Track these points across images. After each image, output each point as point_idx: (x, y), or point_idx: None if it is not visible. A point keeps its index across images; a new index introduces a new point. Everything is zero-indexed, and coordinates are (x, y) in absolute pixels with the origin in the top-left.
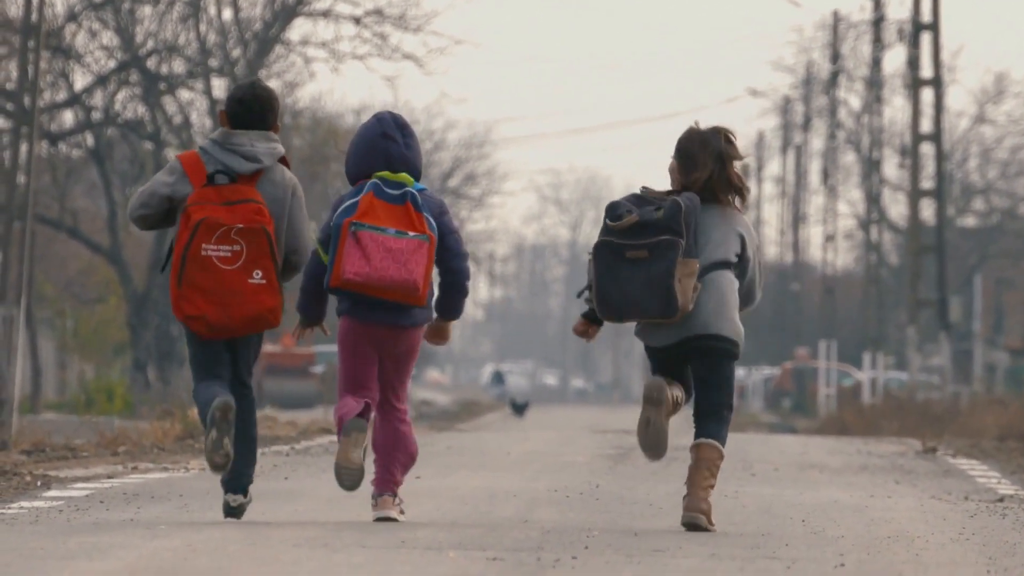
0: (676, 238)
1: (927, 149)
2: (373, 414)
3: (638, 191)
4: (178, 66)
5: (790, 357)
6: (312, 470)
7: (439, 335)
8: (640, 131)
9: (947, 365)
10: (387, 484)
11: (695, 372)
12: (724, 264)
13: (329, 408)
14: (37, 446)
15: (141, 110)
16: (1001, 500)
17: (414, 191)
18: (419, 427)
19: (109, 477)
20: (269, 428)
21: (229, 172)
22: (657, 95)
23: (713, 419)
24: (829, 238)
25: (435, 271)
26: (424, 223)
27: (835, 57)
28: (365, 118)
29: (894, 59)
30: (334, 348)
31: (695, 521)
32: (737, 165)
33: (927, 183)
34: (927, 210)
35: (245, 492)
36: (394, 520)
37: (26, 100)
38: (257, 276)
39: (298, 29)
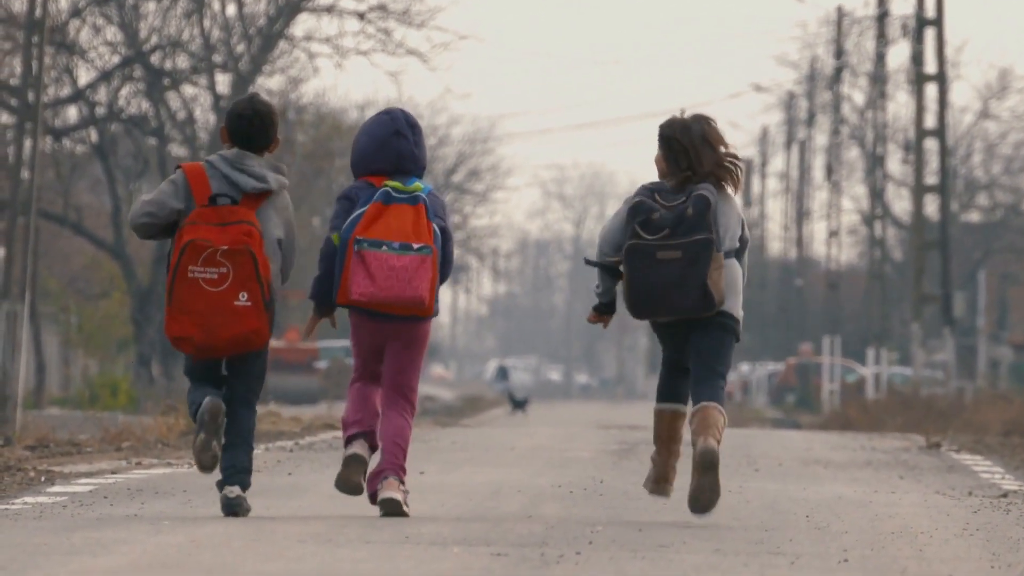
0: (709, 236)
1: (931, 145)
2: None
3: (648, 183)
4: (182, 62)
5: (794, 352)
6: (316, 466)
7: None
8: (644, 126)
9: (951, 360)
10: (393, 468)
11: (695, 343)
12: (734, 252)
13: (333, 404)
14: (41, 441)
15: (145, 106)
16: (1005, 496)
17: (425, 196)
18: (423, 422)
19: (113, 472)
20: (273, 424)
21: (233, 194)
22: (661, 90)
23: (709, 385)
24: (833, 234)
25: None
26: (431, 234)
27: (839, 53)
28: (369, 114)
29: (898, 55)
30: (338, 344)
31: (709, 455)
32: (725, 148)
33: (931, 179)
34: (931, 206)
35: (243, 485)
36: (398, 503)
37: (30, 96)
38: (243, 298)
39: (302, 24)
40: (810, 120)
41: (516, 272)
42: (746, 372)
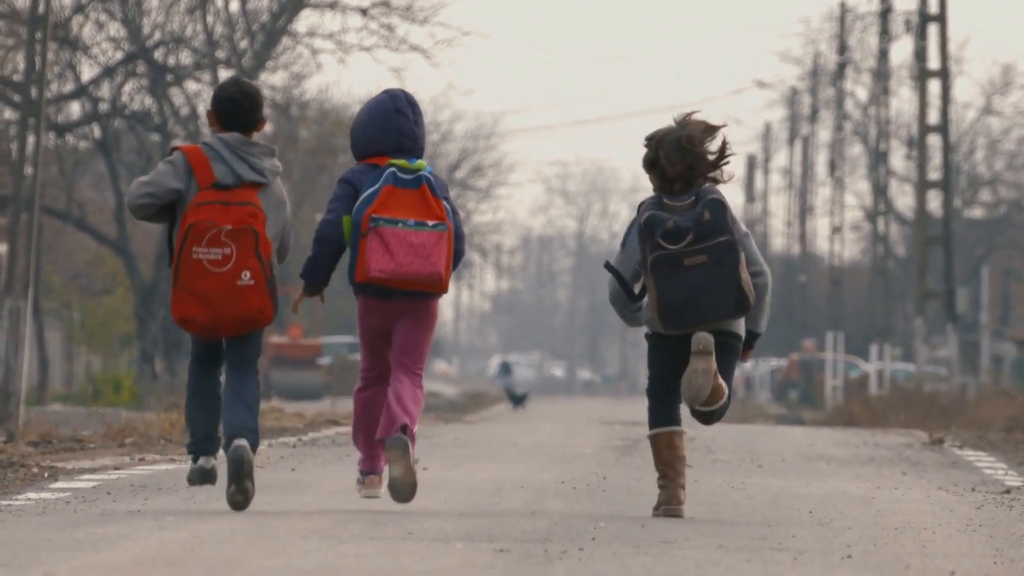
0: (731, 237)
1: (934, 140)
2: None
3: (655, 197)
4: (185, 57)
5: (797, 348)
6: (319, 461)
7: None
8: (647, 122)
9: (954, 356)
10: (402, 418)
11: None
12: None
13: (336, 399)
14: (44, 437)
15: (148, 101)
16: (1008, 491)
17: (429, 176)
18: (426, 418)
19: (116, 468)
20: (276, 419)
21: (234, 178)
22: (664, 86)
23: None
24: (836, 229)
25: None
26: (443, 209)
27: (842, 48)
28: None
29: (901, 50)
30: (341, 339)
31: (704, 341)
32: (711, 143)
33: (934, 174)
34: (934, 201)
35: (252, 443)
36: (407, 451)
37: (33, 91)
38: (245, 277)
39: (305, 20)
40: (813, 116)
41: (519, 268)
42: (749, 368)
